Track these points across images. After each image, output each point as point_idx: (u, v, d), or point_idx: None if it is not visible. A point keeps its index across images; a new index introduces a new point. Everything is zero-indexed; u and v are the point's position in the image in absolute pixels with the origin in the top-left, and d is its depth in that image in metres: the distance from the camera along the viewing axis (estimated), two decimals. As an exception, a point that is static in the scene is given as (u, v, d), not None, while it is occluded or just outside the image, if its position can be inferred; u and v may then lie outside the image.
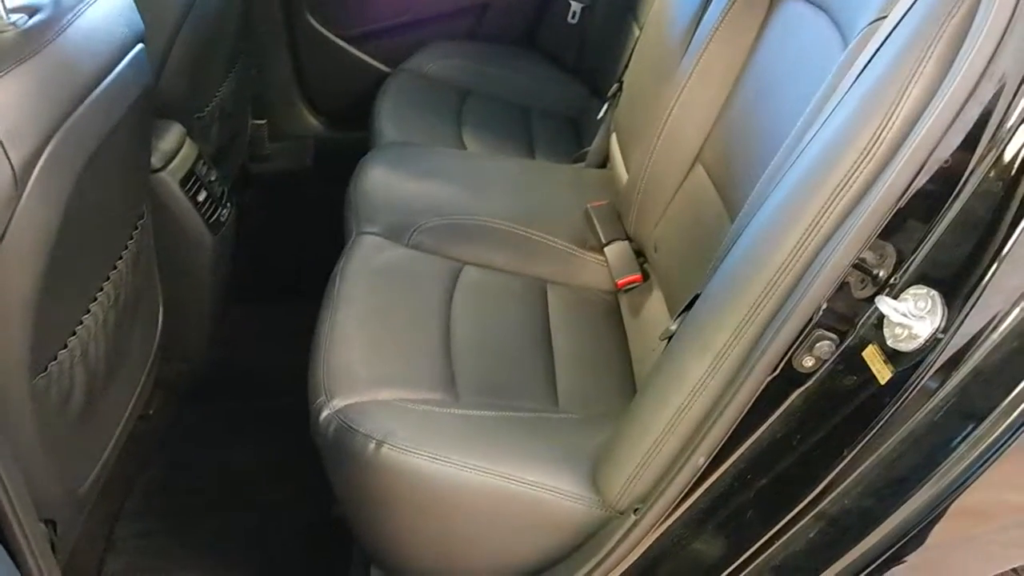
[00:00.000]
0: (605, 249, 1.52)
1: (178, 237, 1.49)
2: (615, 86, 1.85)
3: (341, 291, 1.33)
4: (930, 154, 0.75)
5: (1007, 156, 0.73)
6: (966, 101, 0.73)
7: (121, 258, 1.23)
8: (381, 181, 1.62)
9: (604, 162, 1.84)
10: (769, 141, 1.10)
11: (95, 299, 1.15)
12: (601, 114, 1.87)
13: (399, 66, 2.19)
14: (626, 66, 1.83)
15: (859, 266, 0.81)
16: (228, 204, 1.63)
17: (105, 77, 1.07)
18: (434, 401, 1.17)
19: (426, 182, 1.65)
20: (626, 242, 1.52)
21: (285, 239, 2.06)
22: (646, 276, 1.47)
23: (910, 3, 0.83)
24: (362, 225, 1.52)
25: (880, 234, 0.79)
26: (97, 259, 1.17)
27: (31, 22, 0.96)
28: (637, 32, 1.91)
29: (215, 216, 1.57)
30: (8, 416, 0.96)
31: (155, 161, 1.42)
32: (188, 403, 1.76)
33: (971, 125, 0.74)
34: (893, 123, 0.78)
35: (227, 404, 1.81)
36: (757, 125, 1.21)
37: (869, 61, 0.86)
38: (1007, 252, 0.72)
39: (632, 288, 1.48)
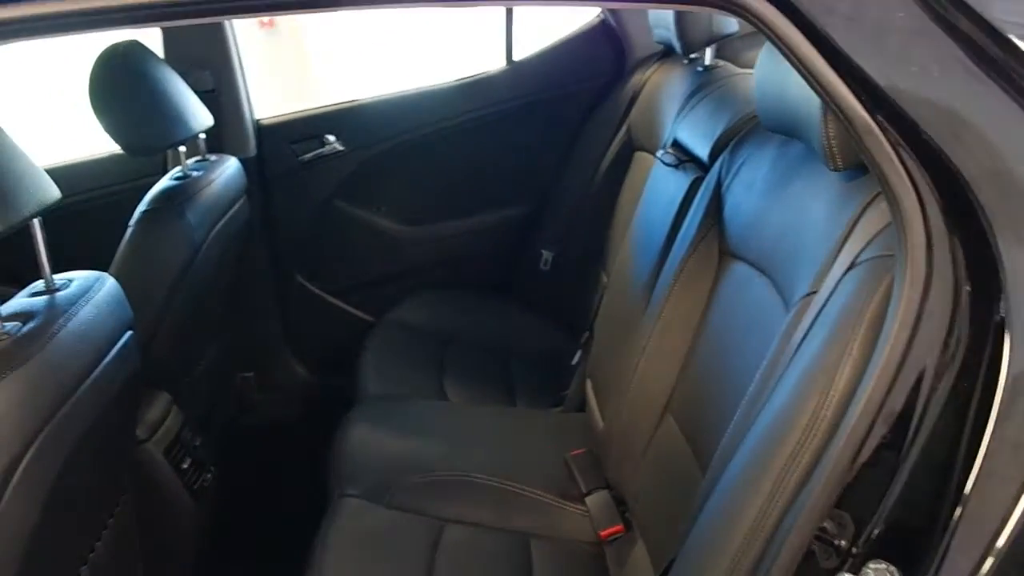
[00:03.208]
0: (586, 499, 1.53)
1: (160, 507, 1.48)
2: (586, 334, 1.92)
3: (322, 561, 1.32)
4: (868, 431, 0.79)
5: (941, 425, 0.77)
6: (894, 379, 0.78)
7: (100, 539, 1.21)
8: (363, 440, 1.65)
9: (582, 406, 1.88)
10: (730, 395, 1.14)
11: None
12: (575, 360, 1.93)
13: (383, 316, 2.29)
14: (595, 313, 1.92)
15: (821, 537, 0.82)
16: (212, 468, 1.64)
17: (92, 373, 1.08)
18: None
19: (407, 439, 1.68)
20: (606, 491, 1.53)
21: (268, 496, 2.05)
22: (628, 526, 1.47)
23: (833, 285, 0.90)
24: (344, 486, 1.53)
25: (836, 504, 0.82)
26: (74, 544, 1.15)
27: (24, 330, 1.00)
28: (605, 279, 2.02)
29: (198, 483, 1.57)
30: None
31: (140, 432, 1.42)
32: None
33: (904, 397, 0.78)
34: (830, 403, 0.82)
35: None
36: (717, 379, 1.26)
37: (805, 335, 0.92)
38: (957, 523, 0.74)
39: (616, 539, 1.47)
